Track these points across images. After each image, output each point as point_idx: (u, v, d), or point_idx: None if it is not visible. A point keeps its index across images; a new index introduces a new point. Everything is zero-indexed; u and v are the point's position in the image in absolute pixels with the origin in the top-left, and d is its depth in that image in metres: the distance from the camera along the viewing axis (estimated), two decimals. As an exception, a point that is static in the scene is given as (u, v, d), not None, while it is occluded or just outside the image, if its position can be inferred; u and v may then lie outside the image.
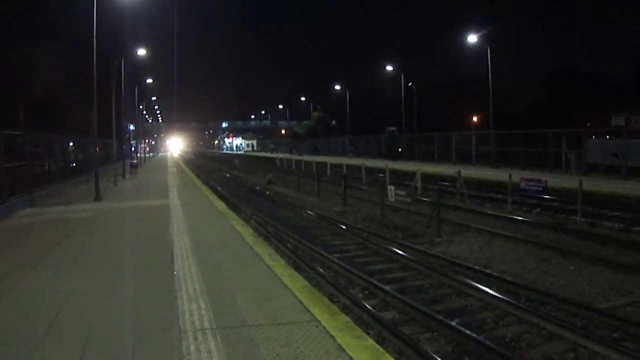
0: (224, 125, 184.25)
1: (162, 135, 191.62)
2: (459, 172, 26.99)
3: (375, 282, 12.58)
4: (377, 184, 26.73)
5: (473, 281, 12.43)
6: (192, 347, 6.35)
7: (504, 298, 11.07)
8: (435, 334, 9.57)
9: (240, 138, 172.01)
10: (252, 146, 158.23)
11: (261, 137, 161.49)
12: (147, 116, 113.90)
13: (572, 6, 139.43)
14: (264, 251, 11.98)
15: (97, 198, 23.22)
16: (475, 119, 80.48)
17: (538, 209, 22.75)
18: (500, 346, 8.83)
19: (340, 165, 45.82)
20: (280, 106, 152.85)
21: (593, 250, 15.46)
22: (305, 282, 9.47)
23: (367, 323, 9.83)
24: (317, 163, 49.37)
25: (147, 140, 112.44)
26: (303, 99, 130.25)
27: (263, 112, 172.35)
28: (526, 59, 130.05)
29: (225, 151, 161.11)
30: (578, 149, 32.83)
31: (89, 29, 24.22)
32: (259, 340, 6.49)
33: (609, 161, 30.23)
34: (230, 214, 18.88)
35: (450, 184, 29.75)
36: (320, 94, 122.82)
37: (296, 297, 8.27)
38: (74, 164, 33.54)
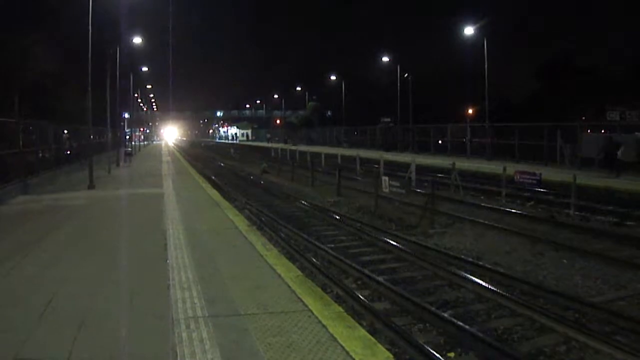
0: (218, 114, 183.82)
1: (156, 123, 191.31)
2: (454, 164, 27.00)
3: (368, 272, 12.58)
4: (372, 175, 26.68)
5: (466, 273, 12.43)
6: (185, 335, 6.35)
7: (497, 290, 11.08)
8: (427, 325, 9.57)
9: (235, 127, 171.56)
10: (247, 135, 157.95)
11: (256, 126, 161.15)
12: (142, 104, 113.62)
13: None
14: (258, 240, 11.98)
15: (91, 186, 23.18)
16: (470, 111, 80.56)
17: (532, 202, 22.77)
18: (492, 338, 8.83)
19: (334, 156, 45.78)
20: (276, 96, 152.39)
21: (586, 243, 15.47)
22: (299, 272, 9.50)
23: (359, 313, 9.82)
24: (312, 153, 49.30)
25: (141, 129, 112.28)
26: (298, 88, 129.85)
27: (258, 101, 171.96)
28: (523, 51, 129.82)
29: (219, 140, 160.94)
30: (573, 142, 32.87)
31: (84, 16, 24.07)
32: (251, 329, 6.49)
33: (604, 155, 30.22)
34: (224, 203, 18.87)
35: (444, 175, 29.73)
36: (315, 84, 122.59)
37: (289, 286, 8.28)
38: (68, 152, 33.44)
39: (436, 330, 9.33)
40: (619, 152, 27.82)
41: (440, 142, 49.44)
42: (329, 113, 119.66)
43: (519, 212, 20.49)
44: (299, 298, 7.71)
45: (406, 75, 70.72)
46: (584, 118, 50.66)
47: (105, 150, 45.93)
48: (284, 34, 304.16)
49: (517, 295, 11.02)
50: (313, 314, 7.05)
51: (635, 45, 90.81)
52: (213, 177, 36.68)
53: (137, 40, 48.50)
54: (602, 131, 35.52)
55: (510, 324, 9.70)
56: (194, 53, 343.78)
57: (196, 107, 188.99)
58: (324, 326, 6.61)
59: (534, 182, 22.47)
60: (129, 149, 52.41)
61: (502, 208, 21.31)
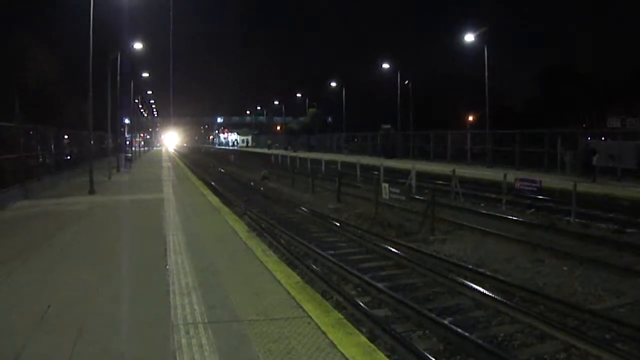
0: (219, 120, 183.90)
1: (157, 129, 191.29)
2: (454, 170, 26.97)
3: (368, 279, 12.57)
4: (372, 182, 26.67)
5: (466, 280, 12.43)
6: (184, 341, 6.34)
7: (497, 297, 11.07)
8: (427, 332, 9.56)
9: (236, 133, 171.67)
10: (247, 142, 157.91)
11: (256, 132, 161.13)
12: (142, 110, 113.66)
13: (570, 3, 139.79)
14: (257, 247, 11.98)
15: (91, 191, 23.20)
16: (470, 117, 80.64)
17: (532, 209, 22.74)
18: (492, 345, 8.82)
19: (335, 162, 45.79)
20: (276, 102, 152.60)
21: (587, 251, 15.46)
22: (298, 278, 9.49)
23: (359, 320, 9.80)
24: (312, 160, 49.29)
25: (142, 135, 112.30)
26: (299, 95, 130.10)
27: (259, 107, 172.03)
28: (523, 57, 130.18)
29: (219, 146, 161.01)
30: (573, 149, 32.86)
31: (85, 20, 24.08)
32: (251, 335, 6.49)
33: (604, 162, 30.25)
34: (224, 209, 18.87)
35: (444, 182, 29.72)
36: (316, 91, 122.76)
37: (289, 293, 8.27)
38: (69, 157, 33.48)
39: (436, 337, 9.32)
40: (594, 159, 28.86)
41: (440, 148, 49.27)
42: (329, 119, 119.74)
43: (519, 219, 20.47)
44: (298, 304, 7.70)
45: (406, 82, 70.80)
46: (584, 125, 50.72)
47: (105, 156, 45.84)
48: (284, 41, 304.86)
49: (517, 302, 11.01)
50: (313, 320, 7.05)
51: (636, 51, 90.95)
52: (213, 183, 36.70)
53: (138, 46, 48.45)
54: (603, 138, 35.54)
55: (510, 331, 9.69)
56: (194, 59, 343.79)
57: (196, 113, 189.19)
58: (323, 332, 6.60)
59: (534, 189, 22.46)
60: (130, 155, 52.42)
61: (502, 215, 21.30)
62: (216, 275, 9.33)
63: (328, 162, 47.94)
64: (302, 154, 64.32)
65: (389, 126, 70.97)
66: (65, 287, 8.71)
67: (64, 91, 48.69)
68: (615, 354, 8.33)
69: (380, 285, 12.09)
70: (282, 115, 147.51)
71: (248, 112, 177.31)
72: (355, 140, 75.84)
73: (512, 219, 20.52)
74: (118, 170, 39.22)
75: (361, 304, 10.74)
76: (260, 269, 9.81)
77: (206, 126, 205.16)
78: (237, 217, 17.58)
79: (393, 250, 15.62)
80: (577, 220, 19.75)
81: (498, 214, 21.52)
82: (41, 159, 26.06)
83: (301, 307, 7.57)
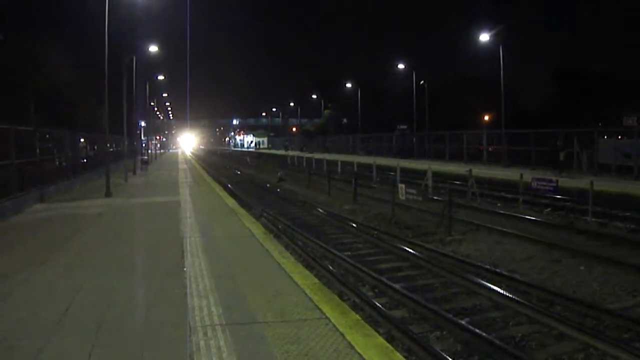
0: (235, 122, 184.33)
1: (173, 132, 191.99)
2: (470, 171, 26.88)
3: (385, 280, 12.56)
4: (388, 183, 26.63)
5: (483, 280, 12.39)
6: (202, 343, 6.37)
7: (514, 297, 11.03)
8: (444, 332, 9.55)
9: (251, 135, 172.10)
10: (260, 144, 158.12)
11: (272, 134, 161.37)
12: (158, 113, 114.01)
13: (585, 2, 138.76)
14: (274, 248, 12.00)
15: (108, 194, 23.31)
16: (486, 117, 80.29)
17: (549, 209, 22.64)
18: (510, 346, 8.79)
19: (351, 164, 45.74)
20: (292, 104, 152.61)
21: (604, 250, 15.37)
22: (315, 280, 9.50)
23: (376, 321, 9.80)
24: (328, 161, 49.26)
25: (158, 137, 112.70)
26: (314, 96, 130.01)
27: (274, 109, 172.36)
28: (538, 56, 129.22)
29: (235, 148, 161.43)
30: (590, 149, 32.66)
31: (101, 23, 24.19)
32: (269, 337, 6.50)
33: (621, 161, 30.07)
34: (241, 211, 18.90)
35: (461, 182, 29.64)
36: (331, 92, 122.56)
37: (306, 294, 8.28)
38: (85, 160, 33.63)
39: (453, 338, 9.30)
40: (560, 155, 31.72)
41: (456, 149, 49.13)
42: (344, 120, 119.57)
43: (536, 219, 20.38)
44: (316, 306, 7.71)
45: (422, 82, 70.66)
46: (600, 124, 50.34)
47: (121, 159, 46.11)
48: (301, 42, 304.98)
49: (534, 302, 10.96)
50: (330, 321, 7.06)
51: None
52: (229, 185, 36.74)
53: (154, 48, 48.64)
54: (619, 137, 35.27)
55: (527, 331, 9.65)
56: (210, 62, 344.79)
57: (212, 115, 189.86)
58: (341, 334, 6.61)
59: (551, 188, 22.36)
60: (146, 157, 52.60)
61: (519, 215, 21.21)
62: (233, 277, 9.36)
63: (344, 163, 47.93)
64: (317, 155, 64.34)
65: (405, 127, 70.90)
66: (83, 289, 8.77)
67: (80, 94, 48.98)
68: (634, 354, 8.28)
69: (397, 286, 12.08)
70: (298, 117, 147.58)
71: (264, 113, 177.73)
72: (371, 141, 75.70)
73: (529, 218, 20.43)
74: (134, 173, 39.38)
75: (378, 305, 10.73)
76: (277, 271, 9.83)
77: (222, 128, 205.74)
78: (254, 219, 17.62)
79: (410, 250, 15.59)
80: (594, 219, 19.63)
81: (515, 214, 21.44)
82: (57, 162, 26.18)
83: (319, 309, 7.59)
